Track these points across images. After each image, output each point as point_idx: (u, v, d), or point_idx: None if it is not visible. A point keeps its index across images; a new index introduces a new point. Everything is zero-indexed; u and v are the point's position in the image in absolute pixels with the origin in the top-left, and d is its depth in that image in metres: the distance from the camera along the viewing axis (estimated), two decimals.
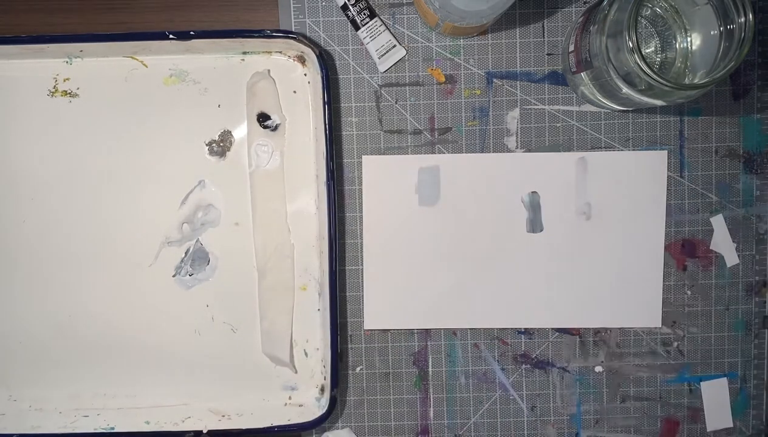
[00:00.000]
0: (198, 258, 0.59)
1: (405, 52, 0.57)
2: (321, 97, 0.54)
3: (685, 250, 0.59)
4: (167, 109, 0.58)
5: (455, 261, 0.58)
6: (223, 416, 0.59)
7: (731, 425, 0.59)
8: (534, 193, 0.58)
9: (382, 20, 0.57)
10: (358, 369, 0.60)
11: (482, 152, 0.58)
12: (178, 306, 0.59)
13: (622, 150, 0.58)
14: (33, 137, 0.58)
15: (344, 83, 0.58)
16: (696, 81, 0.48)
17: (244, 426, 0.57)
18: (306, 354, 0.59)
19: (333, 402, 0.56)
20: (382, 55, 0.57)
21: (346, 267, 0.59)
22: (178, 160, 0.58)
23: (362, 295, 0.59)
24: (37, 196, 0.58)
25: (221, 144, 0.58)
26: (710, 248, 0.59)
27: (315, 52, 0.54)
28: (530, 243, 0.58)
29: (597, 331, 0.59)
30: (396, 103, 0.58)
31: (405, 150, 0.58)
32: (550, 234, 0.58)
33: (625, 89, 0.48)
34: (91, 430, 0.58)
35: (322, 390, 0.58)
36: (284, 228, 0.58)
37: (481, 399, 0.60)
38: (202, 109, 0.58)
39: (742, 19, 0.45)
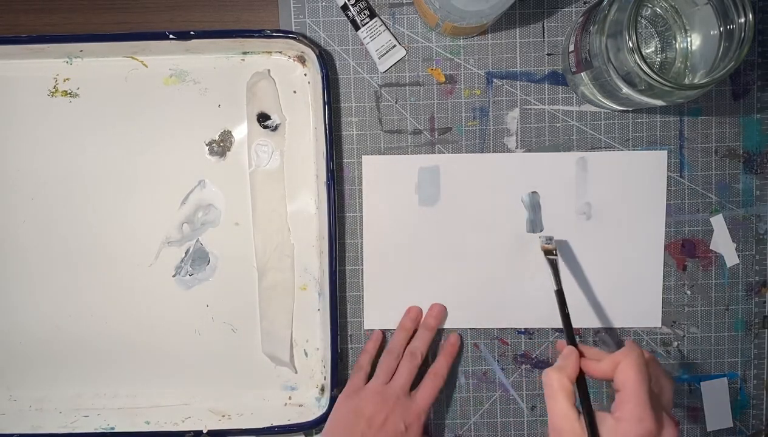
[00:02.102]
0: (198, 258, 0.59)
1: (405, 52, 0.57)
2: (321, 97, 0.54)
3: (685, 250, 0.59)
4: (167, 109, 0.58)
5: (455, 262, 0.58)
6: (223, 416, 0.59)
7: (731, 425, 0.59)
8: (534, 192, 0.58)
9: (382, 20, 0.57)
10: None
11: (482, 152, 0.58)
12: (178, 306, 0.59)
13: (622, 150, 0.58)
14: (33, 137, 0.58)
15: (344, 83, 0.58)
16: (696, 81, 0.48)
17: (244, 426, 0.57)
18: (306, 354, 0.59)
19: (333, 402, 0.56)
20: (382, 55, 0.57)
21: (346, 267, 0.59)
22: (178, 160, 0.58)
23: (362, 295, 0.59)
24: (37, 196, 0.58)
25: (221, 144, 0.58)
26: (710, 248, 0.59)
27: (315, 52, 0.54)
28: (530, 244, 0.58)
29: (597, 331, 0.59)
30: (396, 103, 0.58)
31: (405, 150, 0.58)
32: (550, 234, 0.58)
33: (625, 89, 0.48)
34: (91, 430, 0.58)
35: (322, 390, 0.58)
36: (284, 228, 0.58)
37: (481, 399, 0.60)
38: (202, 109, 0.58)
39: (742, 19, 0.45)
